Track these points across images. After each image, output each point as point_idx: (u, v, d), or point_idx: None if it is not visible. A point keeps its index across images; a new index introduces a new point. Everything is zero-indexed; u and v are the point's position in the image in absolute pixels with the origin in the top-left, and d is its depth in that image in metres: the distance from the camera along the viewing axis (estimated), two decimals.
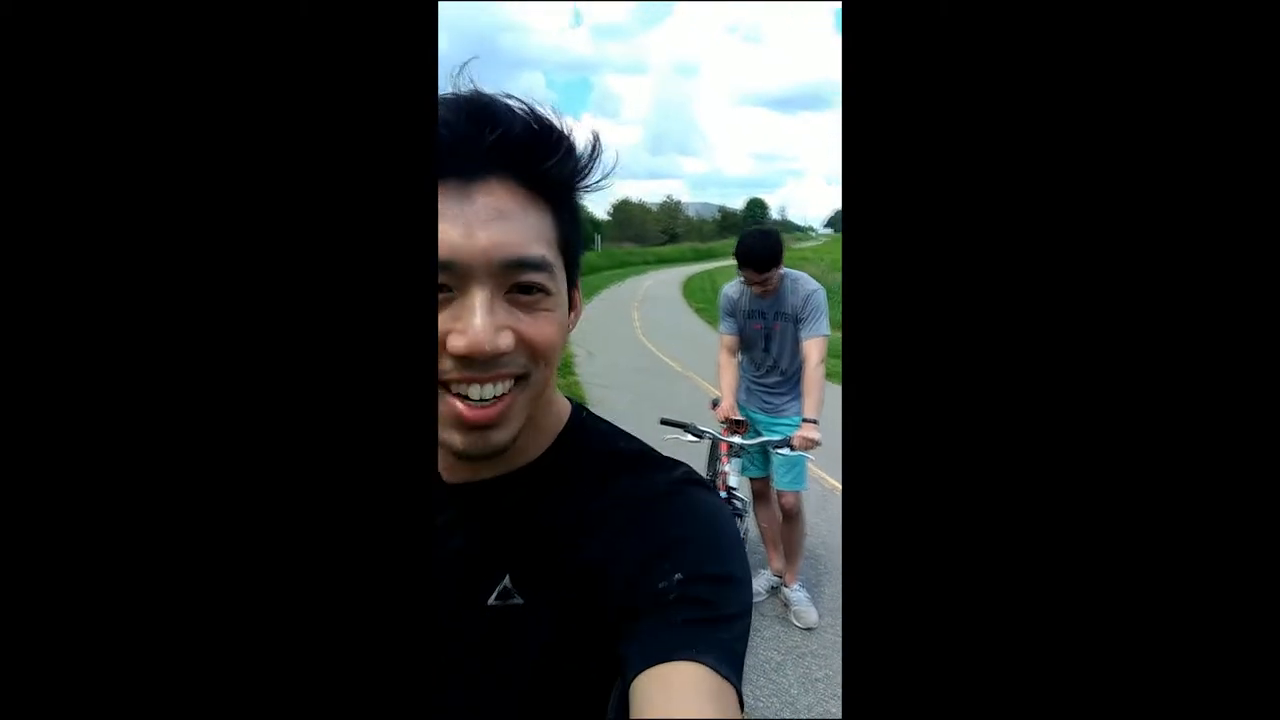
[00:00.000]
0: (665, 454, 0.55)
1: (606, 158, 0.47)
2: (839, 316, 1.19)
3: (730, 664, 0.42)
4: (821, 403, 2.26)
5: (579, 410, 0.56)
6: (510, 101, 0.44)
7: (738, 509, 2.34)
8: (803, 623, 2.56)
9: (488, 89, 0.45)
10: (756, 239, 2.31)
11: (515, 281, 0.43)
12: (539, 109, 0.44)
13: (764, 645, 2.45)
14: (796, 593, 2.64)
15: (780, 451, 2.28)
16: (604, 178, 0.47)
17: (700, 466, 2.58)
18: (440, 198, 0.41)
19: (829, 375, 2.43)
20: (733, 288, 2.50)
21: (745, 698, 0.43)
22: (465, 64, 0.45)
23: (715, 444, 2.45)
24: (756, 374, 2.53)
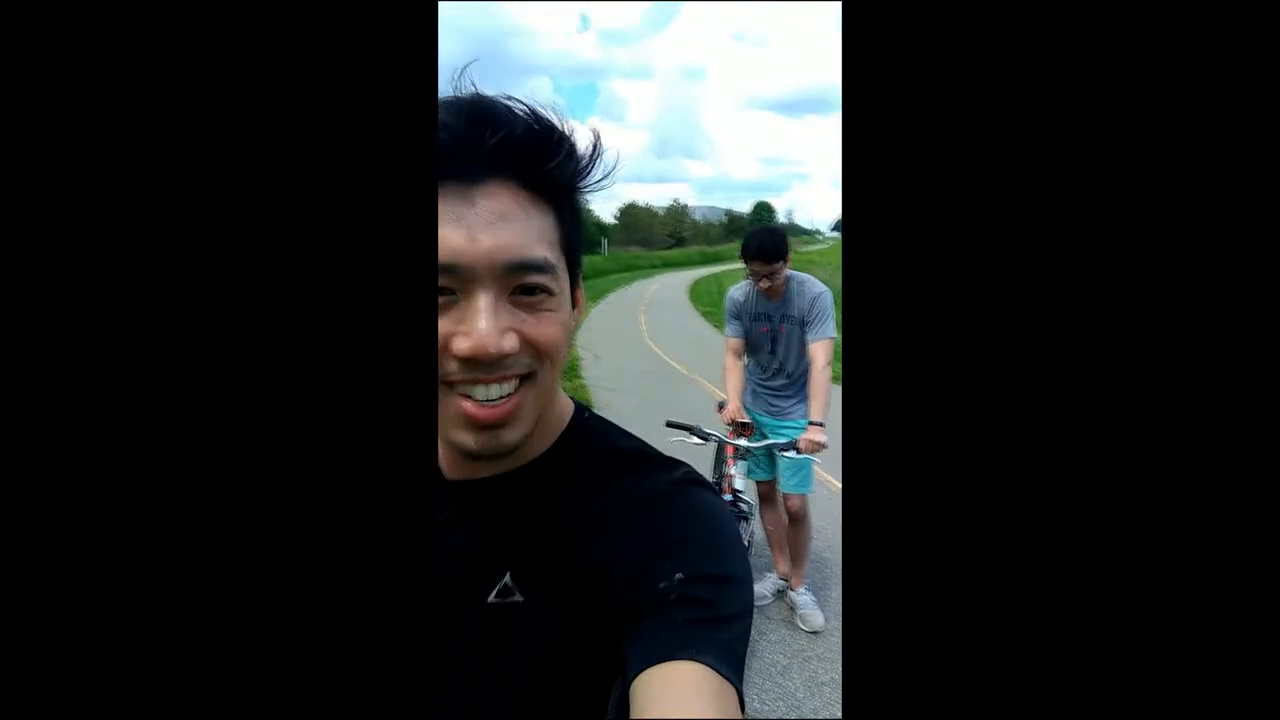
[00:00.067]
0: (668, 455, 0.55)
1: (607, 158, 0.47)
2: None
3: (731, 664, 0.42)
4: (828, 405, 2.25)
5: (581, 410, 0.56)
6: (511, 103, 0.44)
7: (743, 512, 2.33)
8: (809, 626, 2.55)
9: (491, 92, 0.45)
10: (763, 233, 2.35)
11: (518, 283, 0.43)
12: (539, 110, 0.44)
13: (769, 649, 2.44)
14: (802, 596, 2.63)
15: (786, 454, 2.28)
16: (605, 177, 0.48)
17: (706, 469, 2.58)
18: (442, 201, 0.41)
19: (835, 378, 2.42)
20: (739, 290, 2.50)
21: (750, 701, 0.43)
22: (466, 66, 0.45)
23: (721, 447, 2.45)
24: (762, 377, 2.53)
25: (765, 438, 2.46)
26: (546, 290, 0.44)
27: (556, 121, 0.45)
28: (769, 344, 2.45)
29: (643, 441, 0.56)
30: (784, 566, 2.70)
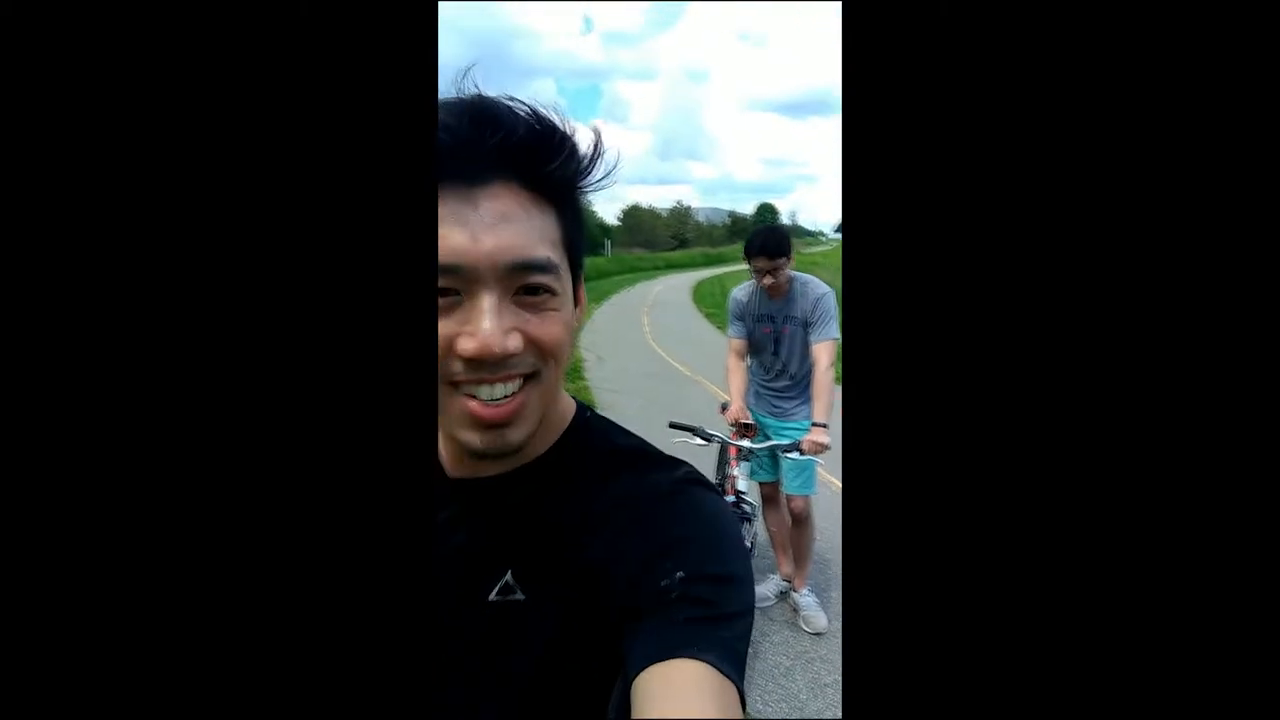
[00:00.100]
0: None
1: (608, 157, 0.47)
2: None
3: (731, 662, 0.42)
4: (831, 407, 2.25)
5: (583, 409, 0.57)
6: (512, 104, 0.44)
7: (746, 513, 2.33)
8: (812, 628, 2.54)
9: (494, 93, 0.45)
10: (766, 230, 2.37)
11: (522, 283, 0.44)
12: (541, 111, 0.44)
13: (773, 650, 2.44)
14: (805, 597, 2.62)
15: (789, 456, 2.28)
16: (605, 176, 0.48)
17: (709, 471, 2.57)
18: (445, 202, 0.41)
19: (838, 379, 2.42)
20: (742, 291, 2.50)
21: (753, 703, 0.43)
22: (468, 68, 0.45)
23: (724, 448, 2.45)
24: (765, 378, 2.53)
25: (768, 439, 2.46)
26: (549, 290, 0.45)
27: (558, 122, 0.45)
28: (772, 345, 2.45)
29: (644, 441, 0.56)
30: (787, 568, 2.70)
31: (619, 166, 0.48)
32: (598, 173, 0.48)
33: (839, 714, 2.13)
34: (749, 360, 2.57)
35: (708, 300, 14.62)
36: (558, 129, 0.45)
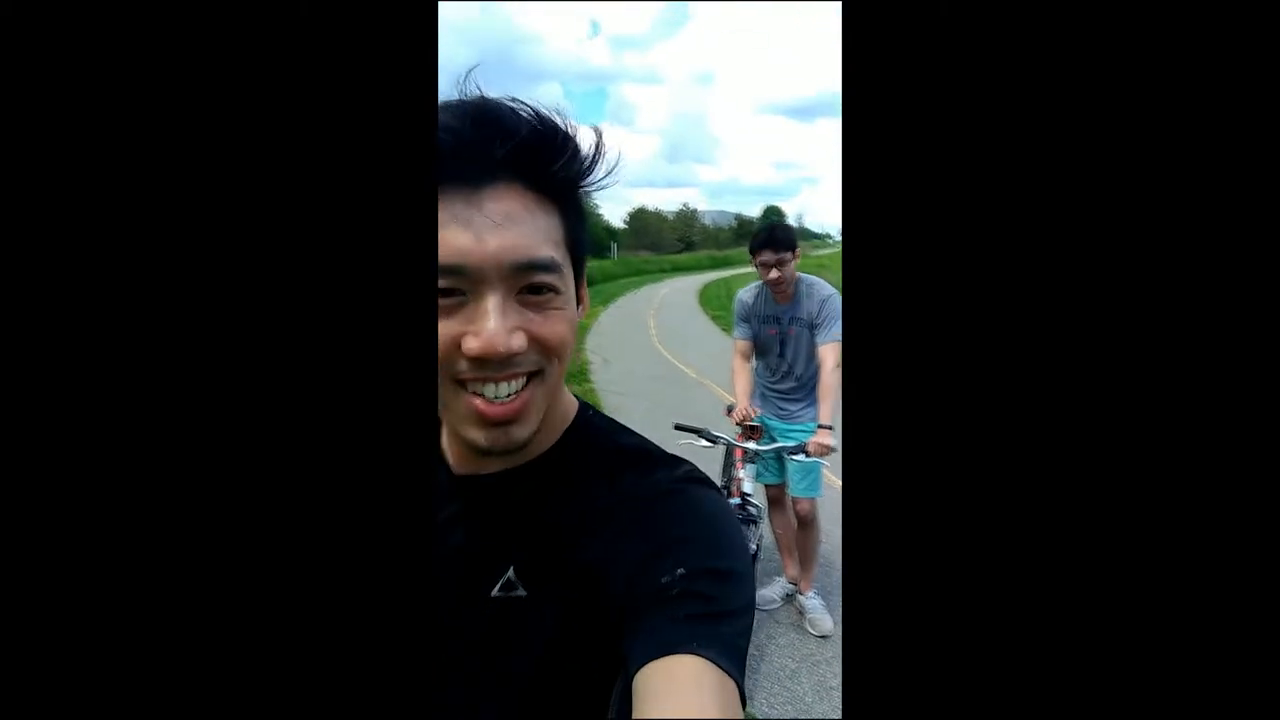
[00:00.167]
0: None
1: (610, 157, 0.48)
2: None
3: (732, 659, 0.42)
4: (837, 409, 2.24)
5: (585, 408, 0.57)
6: (515, 105, 0.45)
7: (752, 515, 2.32)
8: (818, 630, 2.53)
9: (498, 95, 0.46)
10: (771, 225, 2.38)
11: (526, 283, 0.44)
12: (543, 111, 0.45)
13: (778, 653, 2.43)
14: (811, 600, 2.62)
15: (795, 458, 2.27)
16: (607, 176, 0.48)
17: (715, 473, 2.57)
18: (449, 203, 0.42)
19: None
20: (748, 293, 2.50)
21: (759, 705, 0.43)
22: (471, 69, 0.46)
23: (730, 450, 2.45)
24: (771, 380, 2.53)
25: (774, 441, 2.46)
26: (553, 289, 0.45)
27: (560, 122, 0.45)
28: (778, 346, 2.44)
29: (646, 439, 0.56)
30: (793, 570, 2.69)
31: (621, 167, 0.49)
32: (600, 173, 0.48)
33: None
34: (755, 362, 2.56)
35: (714, 303, 14.60)
36: (560, 129, 0.45)
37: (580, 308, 0.51)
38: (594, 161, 0.47)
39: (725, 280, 21.29)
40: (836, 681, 2.29)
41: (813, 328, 2.34)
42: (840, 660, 2.35)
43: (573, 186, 0.48)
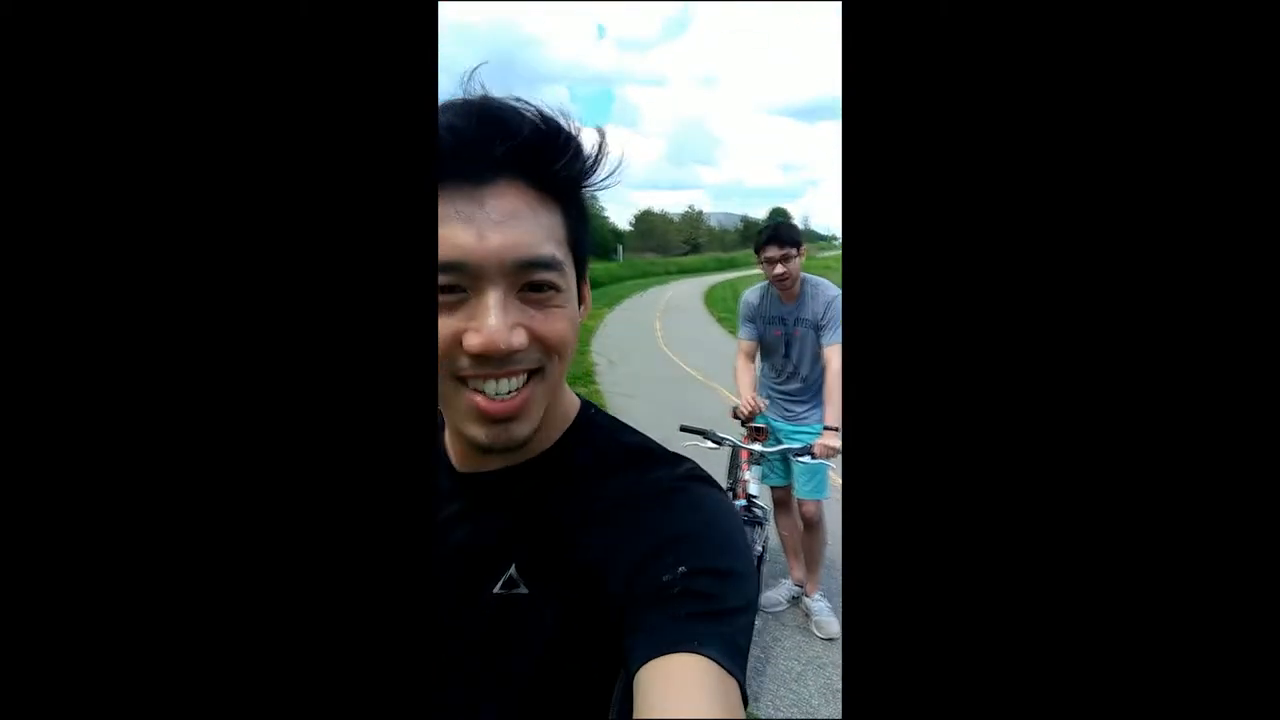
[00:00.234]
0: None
1: (613, 157, 0.48)
2: None
3: (733, 657, 0.42)
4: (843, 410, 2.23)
5: (588, 406, 0.57)
6: (518, 104, 0.45)
7: (758, 517, 2.32)
8: (824, 633, 2.53)
9: (501, 95, 0.46)
10: (775, 223, 2.38)
11: (527, 280, 0.44)
12: (546, 111, 0.45)
13: (784, 655, 2.43)
14: (818, 602, 2.61)
15: (801, 459, 2.27)
16: (610, 176, 0.49)
17: (720, 474, 2.57)
18: (451, 201, 0.42)
19: None
20: (753, 294, 2.50)
21: (764, 707, 0.43)
22: (475, 69, 0.46)
23: (736, 451, 2.44)
24: (777, 381, 2.52)
25: (780, 443, 2.45)
26: (554, 287, 0.45)
27: (563, 122, 0.46)
28: (783, 347, 2.44)
29: (647, 437, 0.56)
30: (799, 573, 2.68)
31: (624, 168, 0.49)
32: (602, 172, 0.48)
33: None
34: (760, 363, 2.56)
35: (720, 305, 14.60)
36: (563, 129, 0.46)
37: (582, 307, 0.51)
38: (597, 161, 0.48)
39: (731, 282, 21.29)
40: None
41: (818, 329, 2.34)
42: None
43: (575, 186, 0.48)
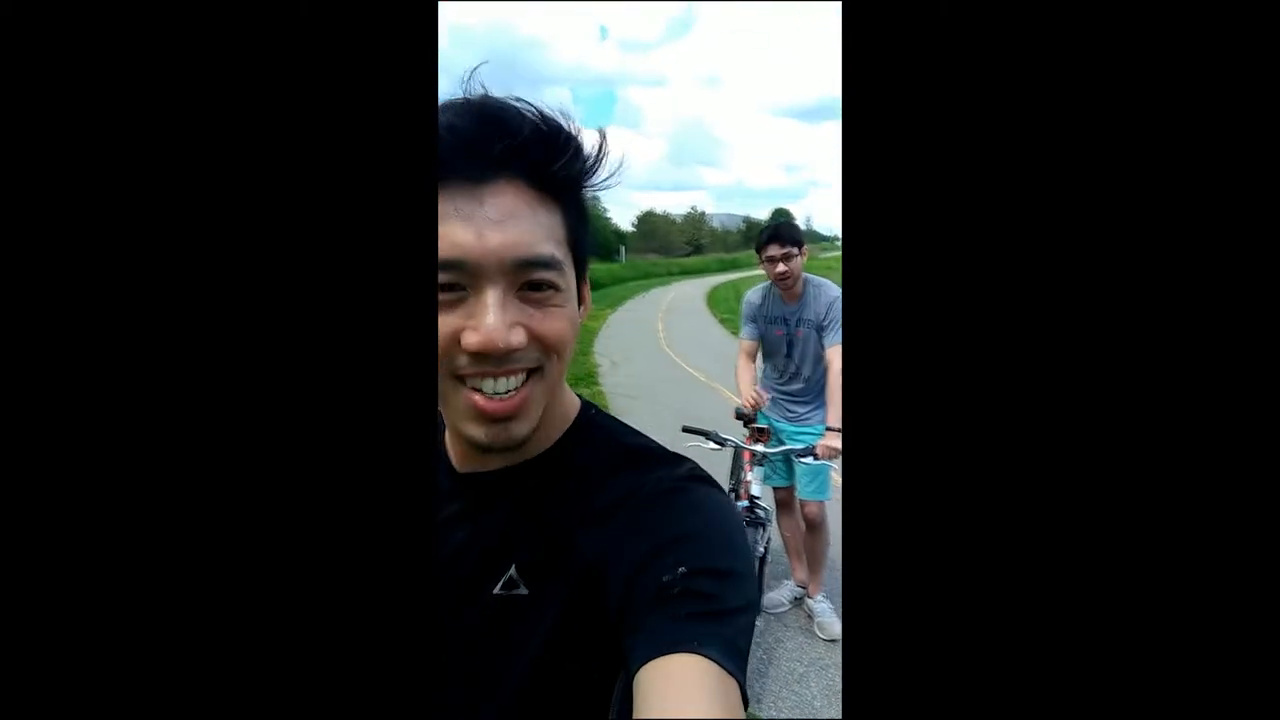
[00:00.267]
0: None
1: (613, 157, 0.48)
2: None
3: (733, 657, 0.42)
4: None
5: (588, 406, 0.57)
6: (519, 104, 0.45)
7: (760, 518, 2.32)
8: (826, 634, 2.52)
9: (501, 95, 0.46)
10: (776, 222, 2.40)
11: (526, 279, 0.44)
12: (546, 111, 0.45)
13: (787, 656, 2.42)
14: (820, 604, 2.60)
15: (804, 460, 2.27)
16: (610, 176, 0.49)
17: (723, 475, 2.57)
18: (451, 199, 0.42)
19: None
20: (755, 294, 2.50)
21: (767, 708, 0.43)
22: (475, 69, 0.46)
23: (738, 452, 2.44)
24: (779, 381, 2.52)
25: (782, 443, 2.45)
26: (553, 286, 0.46)
27: (563, 122, 0.46)
28: (785, 347, 2.44)
29: (647, 437, 0.56)
30: (801, 574, 2.68)
31: (624, 168, 0.49)
32: (603, 173, 0.48)
33: None
34: (762, 364, 2.56)
35: (722, 306, 14.60)
36: (563, 128, 0.46)
37: (582, 307, 0.51)
38: (597, 162, 0.48)
39: (734, 283, 21.29)
40: None
41: (820, 329, 2.34)
42: None
43: (575, 186, 0.48)
